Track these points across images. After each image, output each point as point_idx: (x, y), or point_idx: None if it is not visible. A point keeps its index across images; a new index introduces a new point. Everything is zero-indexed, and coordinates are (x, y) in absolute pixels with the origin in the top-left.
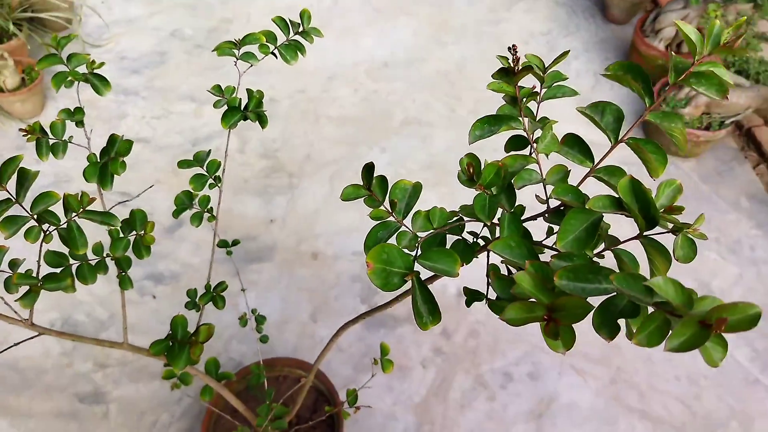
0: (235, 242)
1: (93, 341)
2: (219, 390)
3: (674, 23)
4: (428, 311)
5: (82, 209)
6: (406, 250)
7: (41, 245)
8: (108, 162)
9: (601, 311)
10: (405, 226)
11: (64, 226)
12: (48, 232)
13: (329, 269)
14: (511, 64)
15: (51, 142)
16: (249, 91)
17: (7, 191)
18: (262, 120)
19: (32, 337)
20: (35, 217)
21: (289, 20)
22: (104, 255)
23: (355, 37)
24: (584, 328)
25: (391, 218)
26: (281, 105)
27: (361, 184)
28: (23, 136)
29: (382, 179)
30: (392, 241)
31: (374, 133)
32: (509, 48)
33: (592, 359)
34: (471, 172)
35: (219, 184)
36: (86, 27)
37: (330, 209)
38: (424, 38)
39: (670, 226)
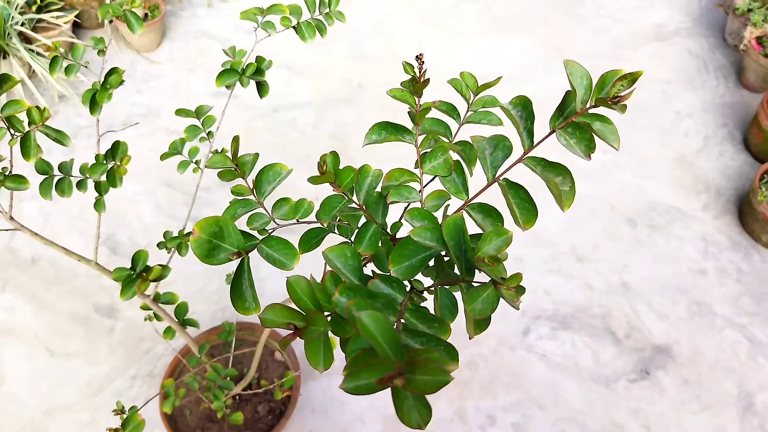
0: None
1: (63, 250)
2: (180, 333)
3: None
4: (251, 296)
5: (41, 123)
6: (255, 232)
7: (11, 149)
8: (97, 92)
9: (354, 338)
10: (264, 208)
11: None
12: (14, 136)
13: None
14: (417, 74)
15: (66, 63)
16: (259, 58)
17: None
18: (262, 88)
19: (9, 230)
20: (4, 119)
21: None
22: (85, 176)
23: (464, 42)
24: (595, 396)
25: (251, 198)
26: (367, 92)
27: (229, 158)
28: (45, 51)
29: (254, 156)
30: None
31: None
32: (416, 57)
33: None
34: (324, 168)
35: (210, 139)
36: None
37: None
38: (533, 59)
39: (488, 279)
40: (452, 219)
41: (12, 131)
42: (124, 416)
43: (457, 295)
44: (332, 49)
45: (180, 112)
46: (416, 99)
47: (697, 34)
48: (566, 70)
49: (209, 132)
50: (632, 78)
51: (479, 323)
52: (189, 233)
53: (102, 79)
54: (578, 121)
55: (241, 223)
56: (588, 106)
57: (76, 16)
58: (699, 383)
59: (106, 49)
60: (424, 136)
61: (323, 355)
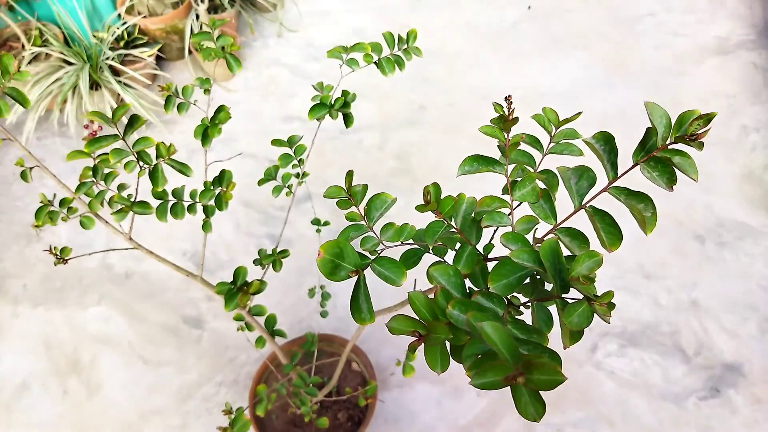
0: (326, 223)
1: (174, 266)
2: (270, 343)
3: None
4: (367, 309)
5: (167, 157)
6: (366, 252)
7: (138, 178)
8: (209, 127)
9: (471, 344)
10: (373, 231)
11: (153, 166)
12: (142, 168)
13: (419, 274)
14: (506, 112)
15: (178, 101)
16: (345, 92)
17: (117, 129)
18: (347, 119)
19: (127, 249)
20: (135, 153)
21: (398, 36)
22: (195, 200)
23: (523, 62)
24: (665, 414)
25: (362, 223)
26: (429, 113)
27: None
28: (159, 91)
29: (363, 187)
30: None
31: None
32: (505, 98)
33: None
34: (428, 198)
35: (301, 166)
36: (287, 13)
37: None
38: (593, 76)
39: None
40: (548, 243)
41: (141, 164)
42: (232, 416)
43: (551, 309)
44: (398, 74)
45: (275, 143)
46: (505, 134)
47: (761, 46)
48: (647, 111)
49: (300, 159)
50: (707, 118)
51: (574, 335)
52: (282, 251)
53: (210, 115)
54: (659, 155)
55: (354, 245)
56: (668, 142)
57: (158, 50)
58: None
59: (210, 89)
60: (513, 166)
61: (440, 359)
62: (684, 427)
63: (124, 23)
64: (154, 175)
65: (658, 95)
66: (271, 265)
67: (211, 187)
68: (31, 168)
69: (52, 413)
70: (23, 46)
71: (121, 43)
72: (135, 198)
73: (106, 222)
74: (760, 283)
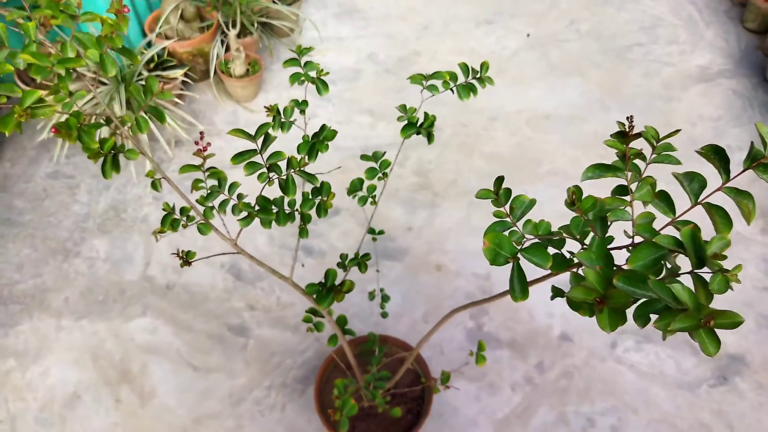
0: (381, 232)
1: (270, 270)
2: (342, 341)
3: None
4: (521, 289)
5: (299, 168)
6: (513, 243)
7: (263, 187)
8: (317, 142)
9: (641, 306)
10: (516, 227)
11: (284, 176)
12: (271, 179)
13: (448, 282)
14: (627, 129)
15: (282, 120)
16: (426, 114)
17: (256, 144)
18: (430, 137)
19: (233, 253)
20: (267, 166)
21: (471, 67)
22: (295, 209)
23: (525, 87)
24: (681, 401)
25: (507, 219)
26: (444, 133)
27: (494, 194)
28: (266, 111)
29: (507, 190)
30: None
31: (520, 175)
32: (627, 117)
33: (678, 431)
34: (573, 198)
35: (385, 179)
36: (304, 38)
37: (462, 231)
38: (590, 100)
39: (716, 268)
40: (688, 229)
41: (270, 175)
42: (340, 401)
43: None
44: (409, 95)
45: (364, 158)
46: (626, 147)
47: (739, 74)
48: (757, 130)
49: (384, 173)
50: None
51: (710, 297)
52: (365, 255)
53: (311, 134)
54: (766, 162)
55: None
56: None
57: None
58: None
59: (305, 109)
60: (630, 173)
61: (610, 321)
62: (699, 412)
63: (154, 46)
64: (287, 184)
65: (651, 118)
66: (358, 268)
67: (310, 198)
68: (159, 178)
69: (107, 422)
70: None
71: (151, 65)
72: (255, 206)
73: (216, 229)
74: (754, 285)
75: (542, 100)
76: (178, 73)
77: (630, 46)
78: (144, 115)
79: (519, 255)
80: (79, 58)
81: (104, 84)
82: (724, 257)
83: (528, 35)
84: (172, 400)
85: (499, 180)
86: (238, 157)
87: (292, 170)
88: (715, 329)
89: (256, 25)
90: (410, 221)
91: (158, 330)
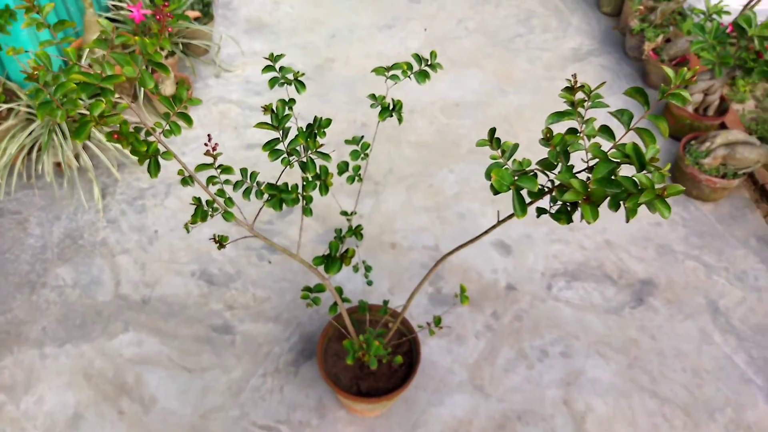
0: (353, 213)
1: (281, 249)
2: (341, 308)
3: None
4: (521, 208)
5: (315, 149)
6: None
7: (284, 170)
8: (314, 129)
9: (612, 197)
10: (507, 164)
11: (303, 159)
12: (291, 162)
13: (404, 257)
14: (572, 85)
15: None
16: (394, 99)
17: (279, 133)
18: (400, 118)
19: (248, 237)
20: (287, 151)
21: (420, 56)
22: (298, 192)
23: (433, 80)
24: (611, 323)
25: (500, 160)
26: (370, 129)
27: (489, 142)
28: (262, 109)
29: (498, 139)
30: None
31: (444, 158)
32: (572, 76)
33: (614, 348)
34: (548, 136)
35: (366, 159)
36: (222, 55)
37: (406, 212)
38: (490, 87)
39: (652, 169)
40: (631, 144)
41: (290, 157)
42: (365, 344)
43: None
44: (336, 98)
45: (348, 142)
46: (574, 97)
47: (604, 52)
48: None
49: (366, 153)
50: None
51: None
52: (358, 226)
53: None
54: (674, 91)
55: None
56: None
57: None
58: (678, 301)
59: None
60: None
61: (592, 213)
62: (626, 329)
63: None
64: (307, 165)
65: (541, 97)
66: (355, 234)
67: (311, 180)
68: (189, 176)
69: None
70: None
71: None
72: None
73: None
74: (648, 221)
75: (450, 90)
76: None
77: (512, 37)
78: (176, 121)
79: (516, 182)
80: (120, 75)
81: None
82: (658, 160)
83: (425, 29)
84: (174, 403)
85: (492, 131)
86: (267, 145)
87: (310, 152)
88: (667, 199)
89: (179, 45)
90: (359, 209)
91: (144, 342)
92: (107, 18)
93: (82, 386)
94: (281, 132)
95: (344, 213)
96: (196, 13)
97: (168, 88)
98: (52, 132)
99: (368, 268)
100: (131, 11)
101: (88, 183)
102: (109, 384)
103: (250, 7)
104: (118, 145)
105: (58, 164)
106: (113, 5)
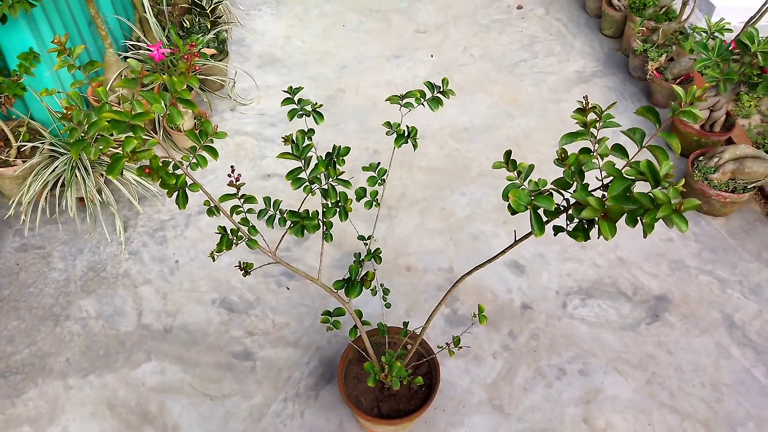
0: (370, 237)
1: (303, 274)
2: (361, 330)
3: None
4: (538, 227)
5: (336, 176)
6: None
7: (306, 197)
8: (334, 158)
9: (629, 213)
10: (524, 185)
11: (325, 186)
12: (313, 190)
13: (420, 279)
14: (584, 106)
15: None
16: (408, 126)
17: (301, 162)
18: (415, 145)
19: (268, 264)
20: (309, 178)
21: (432, 83)
22: (318, 219)
23: (442, 107)
24: (627, 340)
25: (517, 181)
26: (384, 155)
27: (505, 164)
28: (282, 140)
29: (514, 161)
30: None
31: (455, 181)
32: (583, 97)
33: (631, 365)
34: (563, 156)
35: (383, 185)
36: (237, 89)
37: (420, 235)
38: (497, 111)
39: (667, 184)
40: (645, 161)
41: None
42: (387, 366)
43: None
44: (348, 127)
45: (365, 169)
46: (586, 118)
47: (609, 74)
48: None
49: (383, 179)
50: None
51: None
52: (377, 249)
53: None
54: (684, 109)
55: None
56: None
57: None
58: (694, 315)
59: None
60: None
61: (610, 230)
62: (643, 345)
63: None
64: (328, 192)
65: (548, 119)
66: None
67: (331, 206)
68: (214, 206)
69: None
70: (5, 142)
71: None
72: (293, 223)
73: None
74: (660, 238)
75: (458, 116)
76: None
77: (517, 62)
78: (203, 153)
79: (533, 202)
80: (149, 112)
81: (62, 154)
82: (672, 176)
83: (432, 56)
84: (196, 430)
85: (508, 153)
86: (290, 174)
87: (331, 179)
88: (683, 213)
89: None
90: (374, 234)
91: (166, 370)
92: (125, 58)
93: (105, 416)
94: (303, 161)
95: (361, 237)
96: (212, 51)
97: (187, 123)
98: (74, 168)
99: (386, 291)
100: (150, 50)
101: (110, 216)
102: (132, 413)
103: (262, 43)
104: (140, 179)
105: (80, 199)
106: (131, 45)
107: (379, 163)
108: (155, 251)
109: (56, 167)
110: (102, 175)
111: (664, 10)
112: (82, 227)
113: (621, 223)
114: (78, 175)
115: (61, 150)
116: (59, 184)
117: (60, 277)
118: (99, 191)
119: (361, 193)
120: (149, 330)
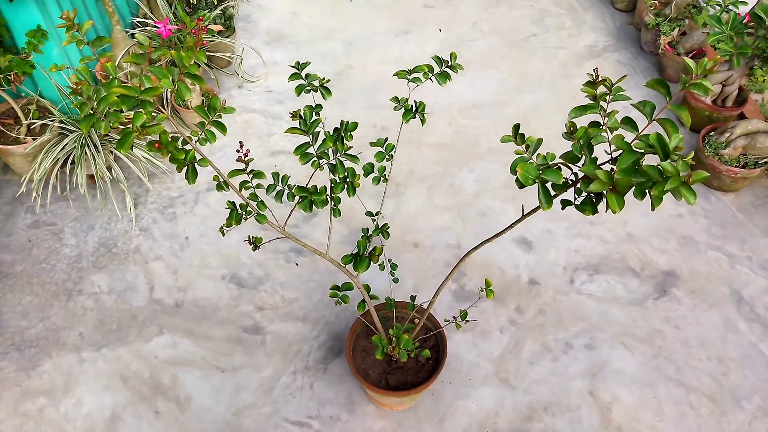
0: (378, 213)
1: (312, 248)
2: (369, 305)
3: (721, 82)
4: (546, 201)
5: (344, 151)
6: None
7: (314, 172)
8: (341, 133)
9: (637, 186)
10: (532, 159)
11: (333, 161)
12: (321, 165)
13: (427, 255)
14: (594, 79)
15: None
16: (417, 102)
17: (309, 138)
18: (423, 120)
19: (277, 239)
20: (318, 153)
21: (441, 57)
22: (327, 194)
23: (451, 83)
24: (635, 315)
25: (525, 154)
26: (392, 132)
27: (513, 138)
28: (290, 115)
29: (522, 135)
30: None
31: (464, 158)
32: (594, 70)
33: (638, 339)
34: (572, 130)
35: (390, 161)
36: (244, 66)
37: (428, 212)
38: (507, 87)
39: (676, 157)
40: (655, 134)
41: (321, 161)
42: (395, 338)
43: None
44: (356, 103)
45: (372, 144)
46: (596, 91)
47: (620, 48)
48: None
49: (390, 155)
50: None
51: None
52: (384, 224)
53: (332, 129)
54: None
55: None
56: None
57: None
58: (702, 291)
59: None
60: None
61: (618, 202)
62: (650, 321)
63: None
64: (336, 167)
65: (558, 95)
66: (381, 233)
67: (339, 181)
68: (224, 182)
69: None
70: (15, 120)
71: None
72: (300, 198)
73: (265, 217)
74: (670, 213)
75: (467, 92)
76: None
77: (527, 37)
78: (211, 129)
79: (541, 175)
80: (158, 88)
81: (72, 132)
82: (682, 149)
83: (440, 30)
84: (209, 401)
85: (516, 126)
86: (298, 149)
87: (339, 154)
88: (692, 186)
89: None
90: (382, 211)
91: (178, 344)
92: (132, 35)
93: (119, 388)
94: (311, 136)
95: (369, 213)
96: (219, 27)
97: (195, 99)
98: (84, 146)
99: (394, 266)
100: (158, 27)
101: (120, 194)
102: (145, 385)
103: (269, 20)
104: (149, 156)
105: (90, 176)
106: (138, 22)
107: (386, 139)
108: (165, 228)
109: (66, 144)
110: (111, 152)
111: None
112: (92, 204)
113: (630, 198)
114: (88, 152)
115: (71, 128)
116: (69, 162)
117: (72, 253)
118: (109, 168)
119: (369, 169)
120: (161, 304)
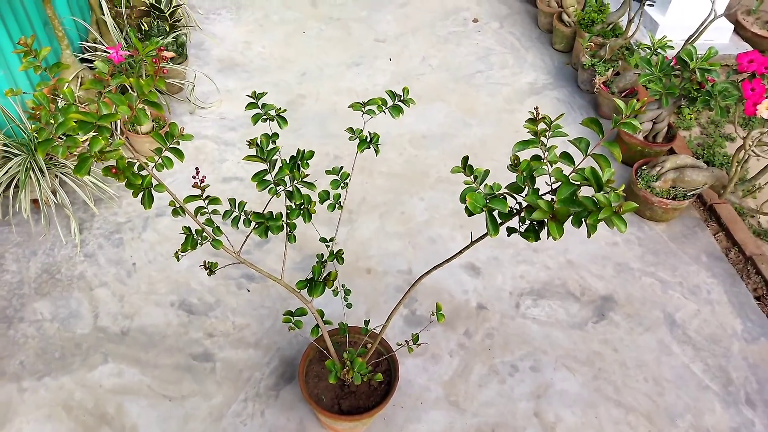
0: (332, 239)
1: (267, 274)
2: (323, 330)
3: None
4: (493, 228)
5: (300, 179)
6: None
7: (270, 199)
8: (298, 161)
9: (575, 215)
10: (480, 189)
11: (290, 188)
12: (278, 192)
13: (379, 281)
14: (535, 117)
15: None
16: (371, 133)
17: (267, 165)
18: (377, 150)
19: (234, 263)
20: (275, 180)
21: (393, 92)
22: (282, 220)
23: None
24: (576, 338)
25: (473, 185)
26: (345, 161)
27: (463, 169)
28: (247, 143)
29: (471, 166)
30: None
31: (414, 187)
32: (534, 108)
33: (579, 361)
34: (516, 162)
35: (346, 188)
36: (196, 93)
37: (380, 238)
38: (454, 119)
39: (609, 189)
40: (590, 168)
41: (277, 188)
42: (348, 362)
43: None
44: (309, 132)
45: (329, 172)
46: (537, 128)
47: (558, 86)
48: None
49: (345, 183)
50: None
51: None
52: (339, 251)
53: (288, 158)
54: (626, 120)
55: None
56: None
57: None
58: (638, 315)
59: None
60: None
61: (558, 229)
62: (590, 343)
63: None
64: (293, 193)
65: (502, 128)
66: (336, 259)
67: (295, 208)
68: (180, 207)
69: None
70: None
71: None
72: (246, 215)
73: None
74: (606, 242)
75: (417, 123)
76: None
77: (473, 73)
78: (168, 155)
79: (488, 204)
80: (116, 114)
81: (16, 155)
82: (614, 181)
83: (390, 59)
84: (155, 430)
85: (465, 159)
86: (256, 176)
87: (296, 181)
88: (623, 215)
89: None
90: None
91: (124, 372)
92: (82, 59)
93: (62, 418)
94: (269, 164)
95: (323, 240)
96: (171, 54)
97: (144, 126)
98: (29, 169)
99: (347, 292)
100: (109, 52)
101: (65, 218)
102: (89, 415)
103: (222, 48)
104: (96, 180)
105: (34, 201)
106: (88, 47)
107: (342, 167)
108: (111, 254)
109: (10, 168)
110: (57, 176)
111: (611, 26)
112: (36, 229)
113: (569, 227)
114: (32, 176)
115: (15, 151)
116: (13, 186)
117: (13, 279)
118: (54, 193)
119: (324, 196)
120: (106, 332)
